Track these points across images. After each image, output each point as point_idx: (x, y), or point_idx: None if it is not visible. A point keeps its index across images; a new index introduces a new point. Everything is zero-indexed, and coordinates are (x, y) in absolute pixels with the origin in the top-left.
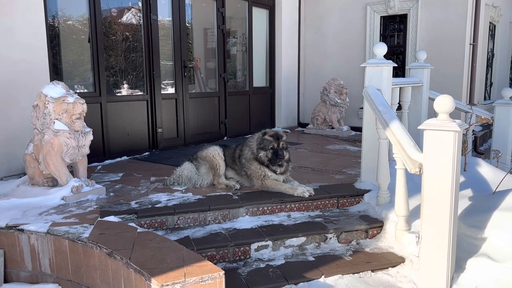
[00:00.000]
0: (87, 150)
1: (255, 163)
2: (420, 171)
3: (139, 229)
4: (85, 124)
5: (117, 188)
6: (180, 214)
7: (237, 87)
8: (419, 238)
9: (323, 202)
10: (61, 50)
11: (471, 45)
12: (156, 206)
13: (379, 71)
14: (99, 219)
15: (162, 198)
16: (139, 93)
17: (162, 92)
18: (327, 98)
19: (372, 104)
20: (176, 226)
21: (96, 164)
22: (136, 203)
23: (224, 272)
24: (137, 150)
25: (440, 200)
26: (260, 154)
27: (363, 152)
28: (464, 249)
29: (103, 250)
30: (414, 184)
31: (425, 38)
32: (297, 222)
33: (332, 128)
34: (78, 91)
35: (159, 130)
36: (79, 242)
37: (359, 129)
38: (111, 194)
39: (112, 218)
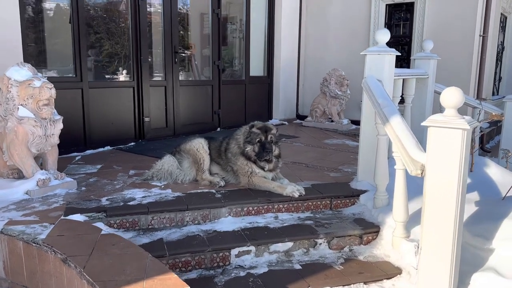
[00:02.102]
0: (56, 140)
1: (241, 158)
2: (422, 173)
3: (104, 231)
4: (55, 111)
5: (91, 181)
6: (154, 213)
7: (234, 75)
8: (418, 247)
9: (314, 203)
10: (39, 30)
11: (481, 37)
12: (128, 203)
13: (380, 60)
14: (62, 217)
15: (137, 195)
16: (125, 79)
17: (151, 79)
18: (327, 90)
19: (372, 96)
20: (149, 227)
21: (75, 154)
22: (107, 199)
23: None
24: (122, 140)
25: (444, 206)
26: (247, 149)
27: (361, 149)
28: (468, 261)
29: (57, 255)
30: (415, 185)
31: (433, 28)
32: (285, 224)
33: (332, 121)
34: (55, 75)
35: (146, 119)
36: (34, 244)
37: (360, 123)
38: (83, 188)
39: (77, 217)
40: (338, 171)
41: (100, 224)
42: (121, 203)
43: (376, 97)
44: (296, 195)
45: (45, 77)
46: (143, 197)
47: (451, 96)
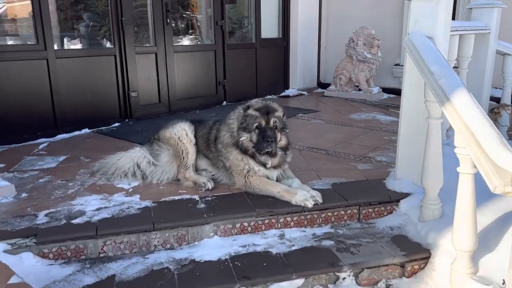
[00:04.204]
0: None
1: (235, 152)
2: None
3: (12, 279)
4: None
5: (39, 183)
6: (107, 237)
7: (243, 38)
8: None
9: (336, 213)
10: None
11: None
12: (73, 222)
13: (432, 8)
14: None
15: (90, 206)
16: (104, 45)
17: (137, 44)
18: (354, 52)
19: (420, 60)
20: (101, 256)
21: (42, 141)
22: (48, 214)
23: None
24: (104, 120)
25: None
26: (242, 138)
27: (401, 135)
28: None
29: None
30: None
31: None
32: (294, 248)
33: (359, 90)
34: (10, 42)
35: (133, 94)
36: None
37: (392, 91)
38: (23, 195)
39: None
40: (368, 160)
41: (27, 256)
42: (63, 221)
43: (427, 63)
44: (310, 204)
45: None
46: (97, 209)
47: None
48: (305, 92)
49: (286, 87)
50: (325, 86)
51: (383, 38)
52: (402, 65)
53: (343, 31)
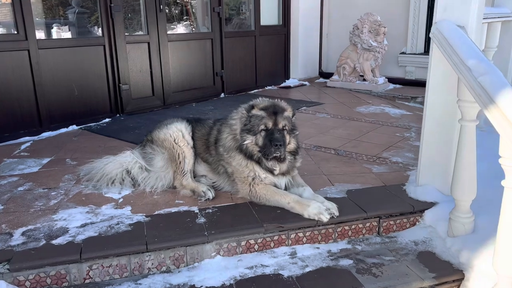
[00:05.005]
0: None
1: (238, 156)
2: None
3: None
4: None
5: (18, 193)
6: (94, 260)
7: (241, 26)
8: None
9: (354, 226)
10: None
11: None
12: (53, 242)
13: None
14: None
15: (75, 221)
16: (94, 34)
17: (128, 33)
18: (359, 40)
19: (452, 54)
20: (86, 282)
21: (25, 139)
22: (24, 233)
23: None
24: (93, 116)
25: None
26: (246, 141)
27: (424, 137)
28: None
29: None
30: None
31: None
32: (307, 269)
33: (364, 80)
34: None
35: (124, 86)
36: None
37: (398, 81)
38: None
39: None
40: (383, 162)
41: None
42: (43, 241)
43: (462, 57)
44: (325, 218)
45: None
46: (82, 225)
47: None
48: (306, 83)
49: (287, 77)
50: (327, 75)
51: (388, 25)
52: (409, 54)
53: (346, 18)
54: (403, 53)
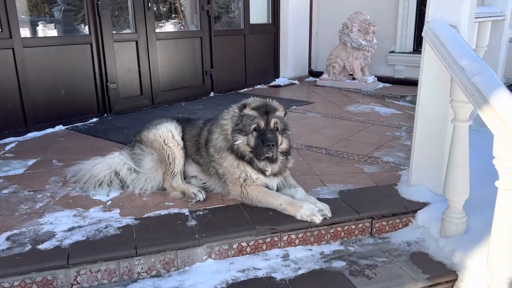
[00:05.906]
0: None
1: (229, 157)
2: None
3: None
4: None
5: (1, 196)
6: (81, 265)
7: (230, 24)
8: None
9: (346, 228)
10: None
11: None
12: (39, 247)
13: None
14: None
15: (62, 225)
16: (79, 33)
17: (116, 31)
18: (348, 39)
19: (445, 54)
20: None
21: (10, 140)
22: (9, 237)
23: None
24: (80, 116)
25: None
26: (238, 142)
27: (416, 137)
28: None
29: None
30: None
31: None
32: (300, 272)
33: (354, 78)
34: None
35: (112, 85)
36: None
37: (388, 80)
38: None
39: None
40: (375, 161)
41: None
42: (28, 246)
43: (455, 57)
44: (318, 220)
45: None
46: (69, 229)
47: None
48: (296, 81)
49: (277, 76)
50: (316, 74)
51: (378, 24)
52: (398, 53)
53: (336, 17)
54: (392, 52)
